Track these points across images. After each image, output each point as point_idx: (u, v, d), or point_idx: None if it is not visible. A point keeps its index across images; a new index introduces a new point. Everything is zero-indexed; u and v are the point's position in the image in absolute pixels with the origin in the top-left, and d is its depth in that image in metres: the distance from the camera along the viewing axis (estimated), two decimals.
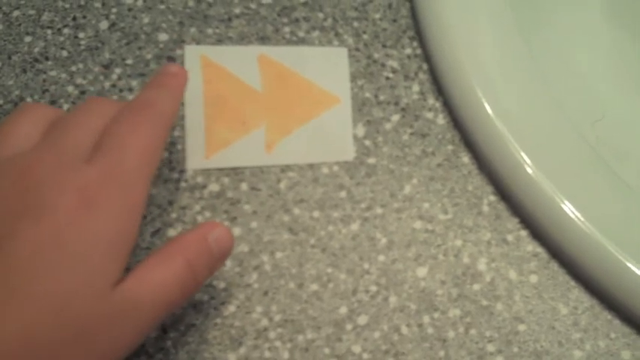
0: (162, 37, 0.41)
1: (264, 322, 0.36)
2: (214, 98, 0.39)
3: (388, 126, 0.41)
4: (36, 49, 0.40)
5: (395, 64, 0.42)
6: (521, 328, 0.37)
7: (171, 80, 0.35)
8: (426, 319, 0.37)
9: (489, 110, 0.39)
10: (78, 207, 0.29)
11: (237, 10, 0.42)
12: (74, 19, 0.41)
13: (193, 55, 0.41)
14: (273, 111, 0.40)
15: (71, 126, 0.32)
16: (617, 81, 0.48)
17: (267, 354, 0.36)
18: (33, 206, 0.29)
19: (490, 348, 0.37)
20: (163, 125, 0.33)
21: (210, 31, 0.41)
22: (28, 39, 0.40)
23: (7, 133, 0.33)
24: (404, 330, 0.37)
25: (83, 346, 0.28)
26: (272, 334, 0.36)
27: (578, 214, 0.37)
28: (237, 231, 0.38)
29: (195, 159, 0.39)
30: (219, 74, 0.39)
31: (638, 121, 0.47)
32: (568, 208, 0.37)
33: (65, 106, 0.39)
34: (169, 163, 0.39)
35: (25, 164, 0.30)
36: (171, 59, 0.40)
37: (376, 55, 0.42)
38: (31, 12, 0.41)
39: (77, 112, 0.33)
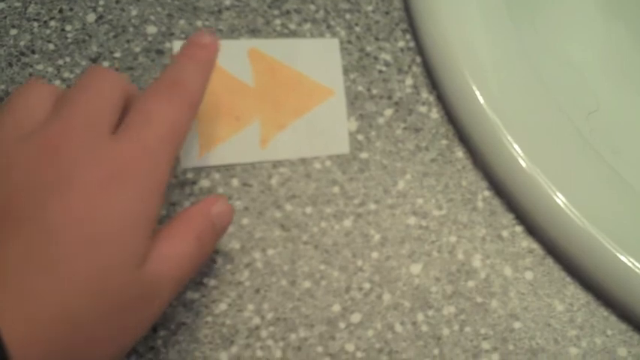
0: (151, 29, 0.40)
1: (256, 320, 0.36)
2: (206, 95, 0.38)
3: (381, 120, 0.40)
4: (22, 43, 0.39)
5: (388, 57, 0.42)
6: (517, 325, 0.37)
7: (201, 53, 0.35)
8: (420, 316, 0.37)
9: (483, 104, 0.39)
10: (107, 182, 0.29)
11: (227, 2, 0.41)
12: (61, 11, 0.40)
13: None
14: (267, 105, 0.40)
15: (85, 98, 0.32)
16: (612, 73, 0.47)
17: (259, 353, 0.35)
18: (62, 180, 0.29)
19: (485, 345, 0.36)
20: (191, 103, 0.33)
21: (199, 23, 0.41)
22: (13, 32, 0.39)
23: (15, 109, 0.32)
24: (398, 328, 0.36)
25: (115, 324, 0.29)
26: (264, 333, 0.36)
27: (574, 209, 0.37)
28: (228, 228, 0.37)
29: (189, 158, 0.38)
30: None
31: (633, 113, 0.46)
32: (563, 203, 0.37)
33: None
34: None
35: (50, 136, 0.30)
36: (160, 53, 0.40)
37: (369, 48, 0.42)
38: (17, 4, 0.40)
39: (85, 84, 0.32)
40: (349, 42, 0.41)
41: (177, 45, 0.40)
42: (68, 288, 0.27)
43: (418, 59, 0.42)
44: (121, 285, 0.29)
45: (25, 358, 0.26)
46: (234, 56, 0.40)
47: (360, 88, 0.41)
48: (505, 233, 0.39)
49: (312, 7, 0.42)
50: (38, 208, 0.28)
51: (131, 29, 0.40)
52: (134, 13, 0.41)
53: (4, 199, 0.28)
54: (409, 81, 0.41)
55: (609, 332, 0.37)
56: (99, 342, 0.29)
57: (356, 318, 0.36)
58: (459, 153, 0.40)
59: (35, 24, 0.40)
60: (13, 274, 0.27)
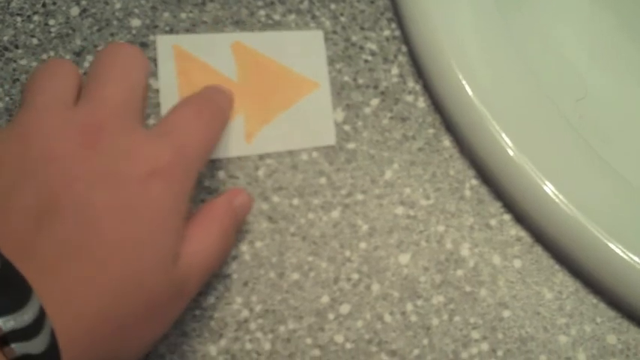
0: (135, 22, 0.40)
1: (245, 313, 0.36)
2: (189, 90, 0.38)
3: (367, 110, 0.40)
4: (5, 38, 0.39)
5: (373, 46, 0.41)
6: (506, 314, 0.37)
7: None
8: (409, 306, 0.37)
9: (470, 92, 0.38)
10: (150, 180, 0.30)
11: None
12: (44, 5, 0.40)
13: (165, 45, 0.39)
14: (251, 100, 0.39)
15: (116, 83, 0.32)
16: (600, 60, 0.47)
17: (248, 345, 0.35)
18: (102, 174, 0.29)
19: (475, 335, 0.36)
20: (223, 120, 0.36)
21: (183, 15, 0.40)
22: None
23: (39, 92, 0.32)
24: (387, 318, 0.36)
25: (148, 319, 0.30)
26: (253, 325, 0.36)
27: (561, 197, 0.37)
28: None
29: None
30: (193, 65, 0.39)
31: (621, 100, 0.46)
32: (551, 190, 0.37)
33: None
34: None
35: (88, 124, 0.30)
36: (144, 45, 0.40)
37: (354, 38, 0.41)
38: None
39: (112, 64, 0.33)
40: (334, 32, 0.41)
41: (160, 41, 0.40)
42: (108, 285, 0.28)
43: (404, 48, 0.41)
44: (156, 284, 0.29)
45: (73, 350, 0.26)
46: (218, 50, 0.40)
47: (345, 78, 0.40)
48: (493, 222, 0.39)
49: None
50: (79, 201, 0.28)
51: (115, 22, 0.40)
52: (118, 6, 0.40)
53: (44, 191, 0.28)
54: (395, 70, 0.41)
55: (598, 320, 0.37)
56: (133, 336, 0.29)
57: (345, 309, 0.36)
58: (446, 142, 0.40)
59: (18, 18, 0.40)
60: (57, 267, 0.27)
